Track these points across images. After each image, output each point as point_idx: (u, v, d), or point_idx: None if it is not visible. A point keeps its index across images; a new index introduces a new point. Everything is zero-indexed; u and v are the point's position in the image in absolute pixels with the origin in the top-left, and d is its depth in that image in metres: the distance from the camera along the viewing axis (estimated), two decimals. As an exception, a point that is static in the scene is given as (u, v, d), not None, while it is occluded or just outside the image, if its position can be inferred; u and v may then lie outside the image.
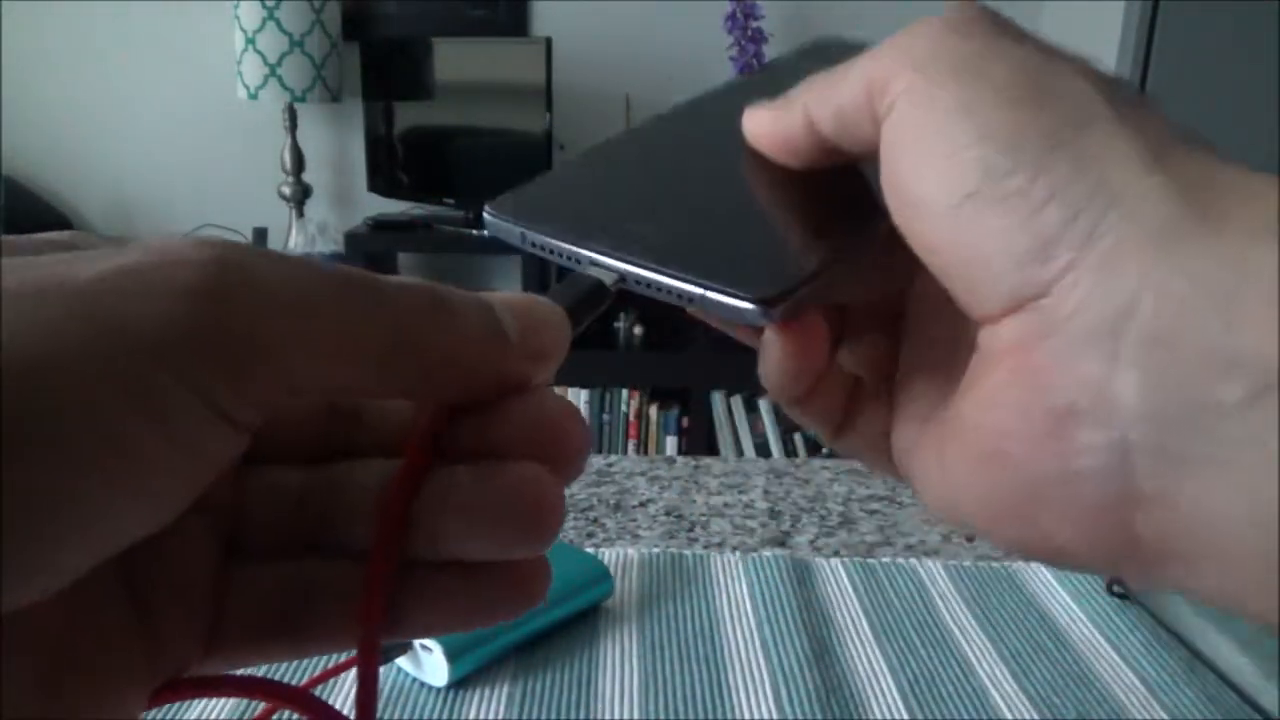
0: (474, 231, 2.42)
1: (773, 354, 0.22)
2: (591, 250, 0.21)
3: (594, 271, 0.21)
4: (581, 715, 0.45)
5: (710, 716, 0.45)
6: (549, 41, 2.30)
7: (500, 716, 0.44)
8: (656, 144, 0.26)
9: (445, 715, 0.44)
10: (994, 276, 0.17)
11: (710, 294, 0.20)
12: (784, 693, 0.46)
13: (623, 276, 0.21)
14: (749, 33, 2.41)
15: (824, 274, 0.21)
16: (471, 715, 0.44)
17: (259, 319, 0.14)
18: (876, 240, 0.22)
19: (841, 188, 0.24)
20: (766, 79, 0.28)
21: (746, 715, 0.45)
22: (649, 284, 0.21)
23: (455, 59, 2.48)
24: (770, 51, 2.45)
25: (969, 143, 0.18)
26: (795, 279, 0.21)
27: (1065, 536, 0.17)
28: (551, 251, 0.22)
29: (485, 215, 0.23)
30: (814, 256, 0.22)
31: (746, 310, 0.20)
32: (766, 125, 0.23)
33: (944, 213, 0.18)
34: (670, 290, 0.21)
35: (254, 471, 0.18)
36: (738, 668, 0.48)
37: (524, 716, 0.44)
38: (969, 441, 0.19)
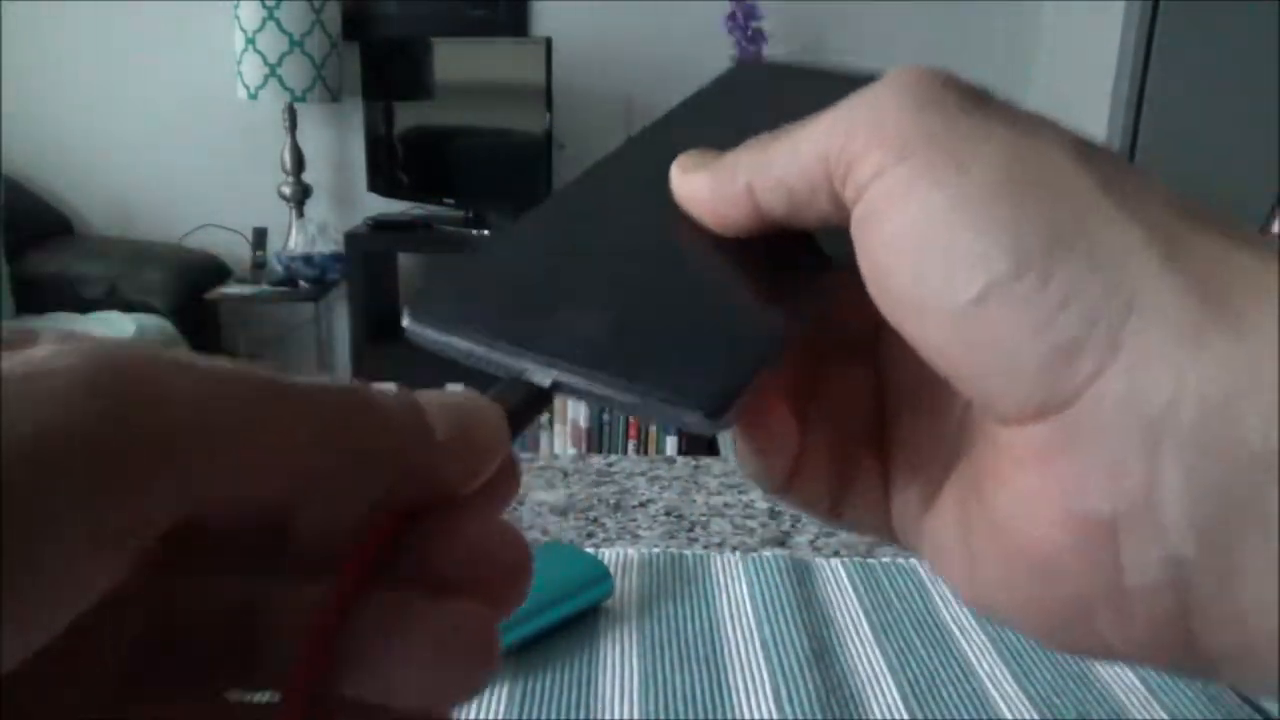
0: (474, 231, 2.42)
1: (740, 446, 0.21)
2: (520, 357, 0.19)
3: (529, 376, 0.19)
4: (581, 715, 0.45)
5: (710, 716, 0.45)
6: (549, 41, 2.30)
7: (500, 716, 0.44)
8: (585, 209, 0.24)
9: (445, 715, 0.44)
10: (1011, 385, 0.16)
11: (649, 405, 0.19)
12: (784, 693, 0.46)
13: (556, 384, 0.19)
14: (749, 33, 2.41)
15: (777, 352, 0.20)
16: (472, 715, 0.44)
17: (153, 429, 0.12)
18: (837, 285, 0.20)
19: (788, 233, 0.22)
20: (701, 112, 0.26)
21: (746, 715, 0.45)
22: (584, 392, 0.19)
23: (455, 59, 2.48)
24: (771, 52, 2.45)
25: (967, 242, 0.16)
26: (744, 373, 0.19)
27: (1120, 645, 0.17)
28: (480, 359, 0.20)
29: (405, 324, 0.21)
30: (765, 332, 0.20)
31: (692, 421, 0.18)
32: (702, 193, 0.21)
33: (948, 318, 0.17)
34: (609, 400, 0.19)
35: (185, 583, 0.16)
36: (738, 668, 0.48)
37: (524, 716, 0.44)
38: (1004, 542, 0.18)
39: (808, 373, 0.23)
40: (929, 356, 0.18)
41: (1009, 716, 0.45)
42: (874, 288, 0.18)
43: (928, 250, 0.17)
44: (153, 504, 0.13)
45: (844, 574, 0.57)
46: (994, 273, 0.16)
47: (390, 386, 0.16)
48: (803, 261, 0.21)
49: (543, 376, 0.19)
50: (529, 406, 0.19)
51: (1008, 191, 0.17)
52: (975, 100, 0.19)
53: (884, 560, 0.58)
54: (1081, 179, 0.17)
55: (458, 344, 0.20)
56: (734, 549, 0.60)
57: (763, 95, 0.27)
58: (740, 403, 0.19)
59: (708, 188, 0.21)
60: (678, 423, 0.19)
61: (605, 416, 2.45)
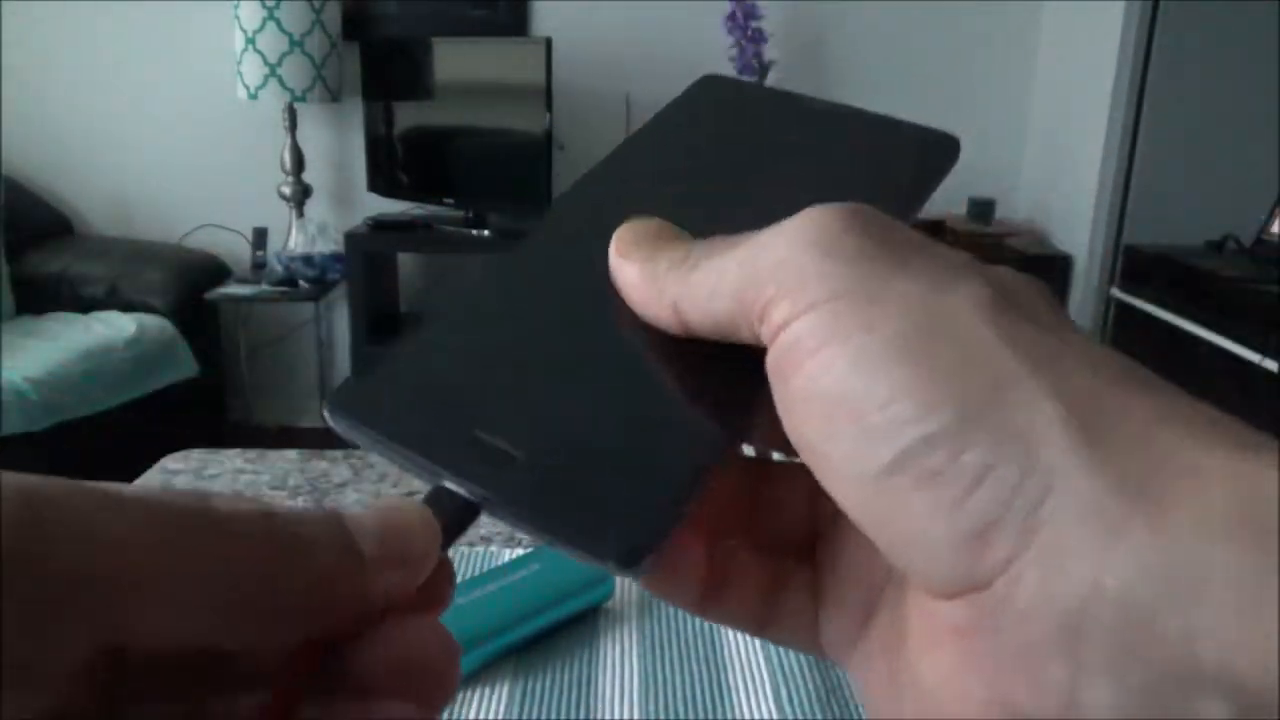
0: (474, 231, 2.42)
1: (653, 585, 0.20)
2: (441, 469, 0.18)
3: (451, 487, 0.18)
4: (581, 715, 0.45)
5: (710, 716, 0.45)
6: (549, 41, 2.30)
7: (501, 716, 0.44)
8: (526, 276, 0.22)
9: (446, 715, 0.44)
10: (927, 561, 0.15)
11: (562, 546, 0.18)
12: (784, 693, 0.46)
13: (480, 502, 0.18)
14: (749, 33, 2.41)
15: (705, 480, 0.18)
16: (472, 715, 0.44)
17: (72, 569, 0.12)
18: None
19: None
20: (661, 147, 0.25)
21: (746, 715, 0.45)
22: (504, 517, 0.18)
23: (455, 59, 2.48)
24: (770, 52, 2.45)
25: (872, 408, 0.15)
26: (664, 519, 0.18)
27: None
28: (399, 462, 0.19)
29: (326, 413, 0.20)
30: (695, 459, 0.19)
31: (607, 568, 0.17)
32: (632, 292, 0.20)
33: (859, 484, 0.16)
34: (525, 530, 0.18)
35: (130, 710, 0.15)
36: (738, 668, 0.48)
37: (524, 716, 0.44)
38: (928, 705, 0.17)
39: (741, 481, 0.22)
40: (848, 513, 0.17)
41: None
42: (791, 435, 0.17)
43: (836, 410, 0.16)
44: (64, 642, 0.12)
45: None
46: (903, 443, 0.15)
47: (315, 511, 0.16)
48: (745, 358, 0.19)
49: (465, 491, 0.18)
50: (460, 516, 0.18)
51: (915, 353, 0.16)
52: (886, 246, 0.17)
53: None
54: (996, 343, 0.16)
55: (376, 444, 0.19)
56: (734, 549, 0.60)
57: (723, 128, 0.26)
58: (659, 552, 0.18)
59: (637, 288, 0.20)
60: (593, 564, 0.18)
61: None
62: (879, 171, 0.24)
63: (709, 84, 0.27)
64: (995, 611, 0.15)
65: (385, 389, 0.20)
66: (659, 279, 0.19)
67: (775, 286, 0.17)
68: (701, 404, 0.19)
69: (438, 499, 0.18)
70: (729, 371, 0.19)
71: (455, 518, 0.18)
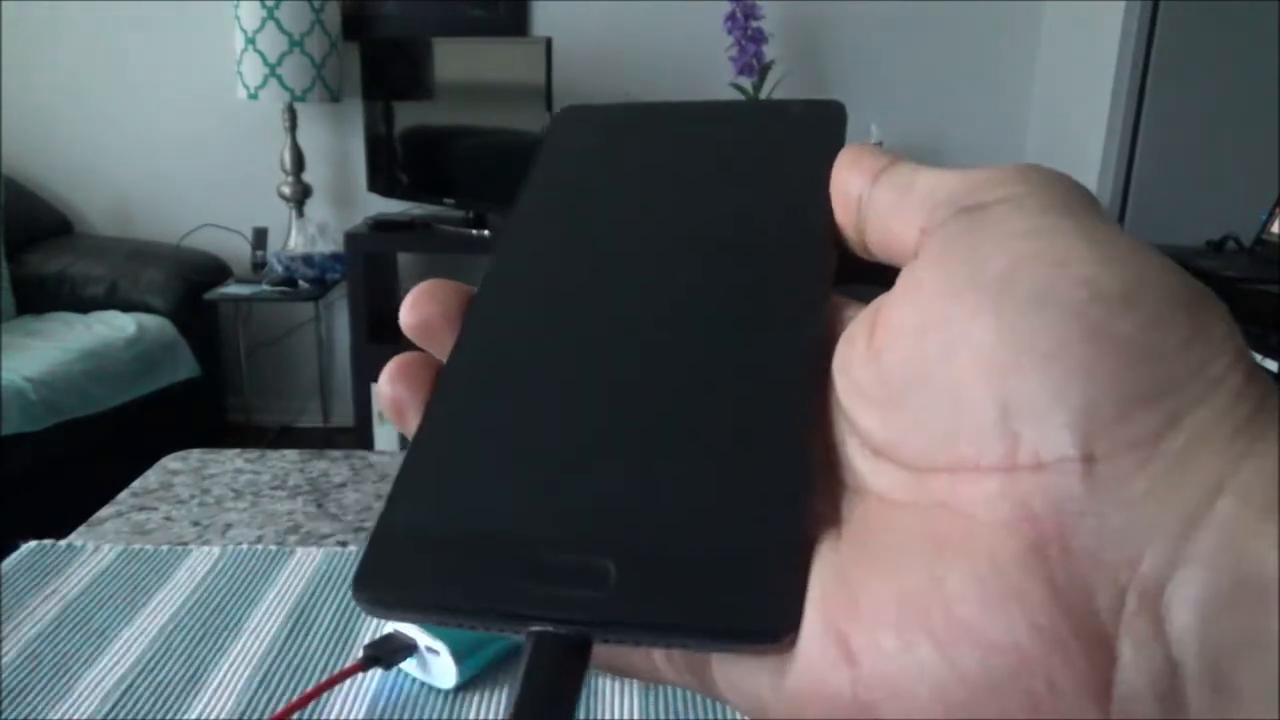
0: (474, 231, 2.42)
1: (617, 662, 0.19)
2: (526, 617, 0.16)
3: (552, 630, 0.16)
4: (581, 715, 0.45)
5: (711, 716, 0.45)
6: (549, 41, 2.30)
7: (500, 716, 0.44)
8: (510, 376, 0.19)
9: (451, 717, 0.44)
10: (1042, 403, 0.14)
11: (706, 644, 0.16)
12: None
13: (590, 634, 0.16)
14: (749, 33, 2.41)
15: (813, 511, 0.16)
16: (473, 716, 0.44)
17: None
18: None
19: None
20: (566, 197, 0.23)
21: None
22: (622, 639, 0.16)
23: (455, 59, 2.48)
24: (770, 52, 2.45)
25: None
26: (797, 565, 0.16)
27: None
28: (476, 623, 0.16)
29: (359, 603, 0.17)
30: (800, 487, 0.17)
31: (763, 648, 0.15)
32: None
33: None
34: (652, 643, 0.16)
35: None
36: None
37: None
38: (949, 632, 0.14)
39: None
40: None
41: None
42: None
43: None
44: None
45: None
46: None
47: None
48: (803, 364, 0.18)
49: (567, 630, 0.16)
50: (573, 661, 0.15)
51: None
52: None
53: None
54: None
55: (435, 617, 0.16)
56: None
57: (625, 151, 0.24)
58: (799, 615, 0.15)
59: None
60: (739, 652, 0.16)
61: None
62: (793, 151, 0.23)
63: (573, 115, 0.26)
64: (1102, 487, 0.14)
65: (414, 546, 0.17)
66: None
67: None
68: (776, 432, 0.17)
69: (540, 651, 0.15)
70: (788, 390, 0.18)
71: (569, 665, 0.15)
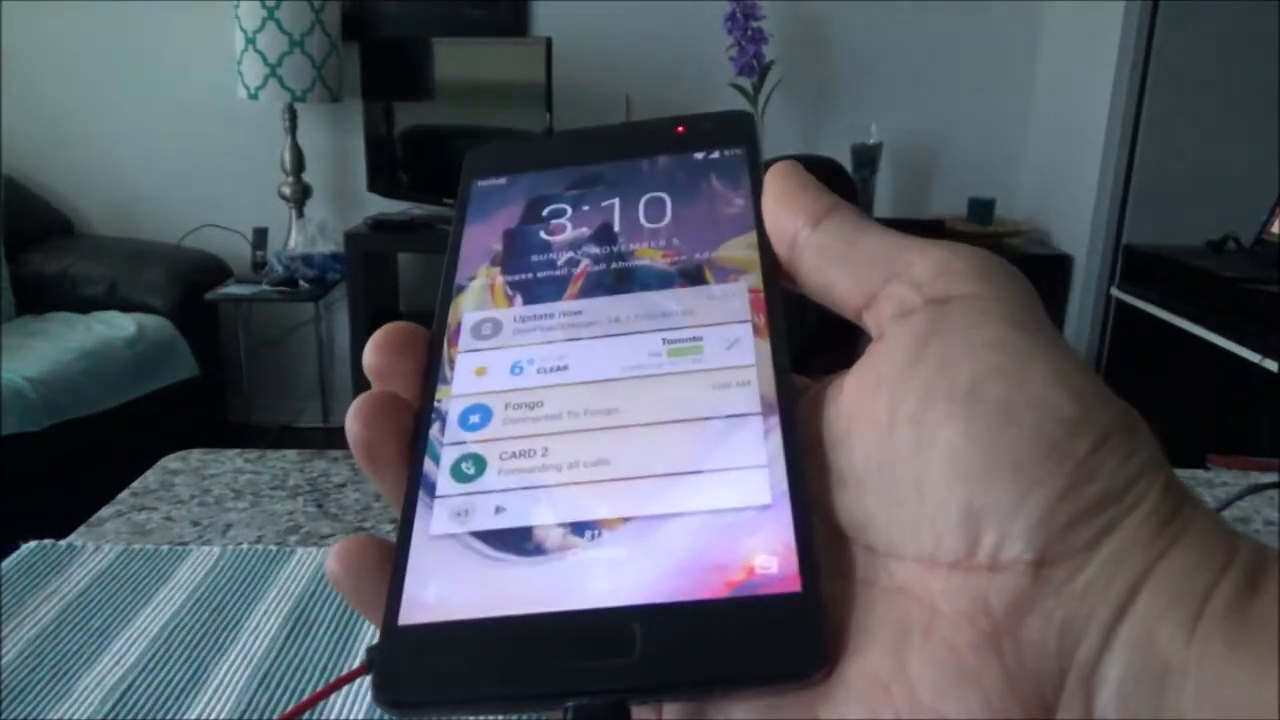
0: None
1: None
2: (560, 693, 0.16)
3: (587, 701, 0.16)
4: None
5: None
6: (549, 41, 2.30)
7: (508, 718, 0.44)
8: (488, 430, 0.20)
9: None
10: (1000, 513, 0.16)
11: (746, 690, 0.16)
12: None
13: (625, 699, 0.16)
14: (749, 33, 2.41)
15: (816, 531, 0.17)
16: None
17: None
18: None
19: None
20: (499, 238, 0.23)
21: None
22: (659, 699, 0.16)
23: (455, 59, 2.48)
24: (770, 52, 2.45)
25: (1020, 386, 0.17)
26: (818, 592, 0.16)
27: None
28: (508, 708, 0.16)
29: (382, 707, 0.16)
30: (801, 512, 0.17)
31: (801, 684, 0.16)
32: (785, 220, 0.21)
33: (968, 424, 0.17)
34: (691, 698, 0.16)
35: None
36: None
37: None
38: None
39: None
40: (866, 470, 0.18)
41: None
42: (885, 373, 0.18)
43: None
44: None
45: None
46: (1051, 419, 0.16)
47: None
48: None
49: (603, 700, 0.16)
50: None
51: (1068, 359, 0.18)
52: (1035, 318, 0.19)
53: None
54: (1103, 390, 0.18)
55: (464, 710, 0.16)
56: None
57: (548, 188, 0.24)
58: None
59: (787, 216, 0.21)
60: (778, 691, 0.16)
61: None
62: (717, 176, 0.23)
63: (482, 157, 0.25)
64: (1051, 586, 0.15)
65: (430, 640, 0.17)
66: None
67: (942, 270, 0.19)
68: (766, 460, 0.18)
69: None
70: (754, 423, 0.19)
71: None
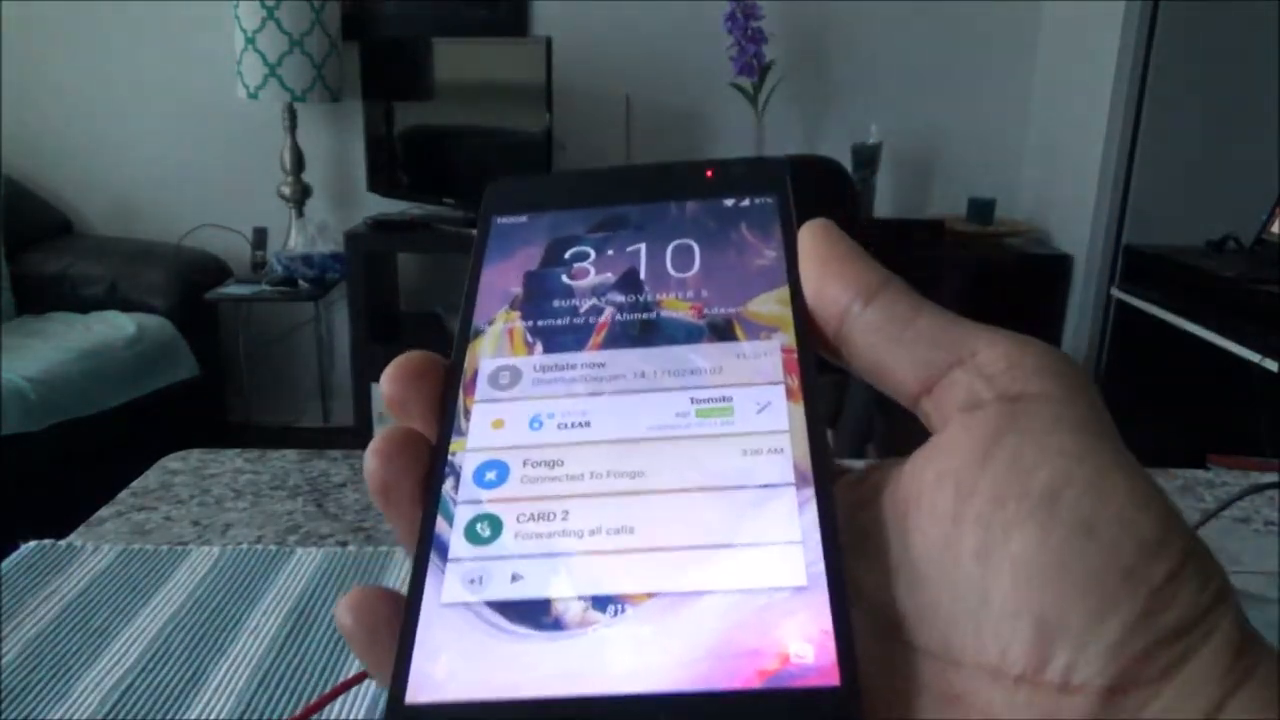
0: (473, 231, 2.42)
1: None
2: None
3: None
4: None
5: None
6: (549, 41, 2.30)
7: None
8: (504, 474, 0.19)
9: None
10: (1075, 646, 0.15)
11: None
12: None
13: None
14: (749, 33, 2.41)
15: (845, 583, 0.16)
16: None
17: None
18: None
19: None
20: (521, 277, 0.22)
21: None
22: None
23: (455, 59, 2.48)
24: (770, 52, 2.45)
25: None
26: (849, 637, 0.16)
27: None
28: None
29: None
30: (834, 566, 0.17)
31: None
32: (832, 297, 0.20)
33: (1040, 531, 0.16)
34: None
35: None
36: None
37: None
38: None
39: None
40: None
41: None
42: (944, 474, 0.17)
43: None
44: None
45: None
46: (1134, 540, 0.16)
47: None
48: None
49: None
50: None
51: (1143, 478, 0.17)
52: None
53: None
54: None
55: None
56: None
57: (569, 230, 0.23)
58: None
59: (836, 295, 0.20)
60: None
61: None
62: (747, 215, 0.22)
63: (502, 192, 0.24)
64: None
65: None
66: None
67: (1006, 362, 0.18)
68: (801, 536, 0.17)
69: None
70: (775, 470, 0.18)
71: None
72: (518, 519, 0.18)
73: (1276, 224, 1.99)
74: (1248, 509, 0.66)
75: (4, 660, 0.47)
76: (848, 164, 2.42)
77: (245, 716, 0.44)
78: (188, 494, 0.67)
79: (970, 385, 0.18)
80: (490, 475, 0.19)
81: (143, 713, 0.44)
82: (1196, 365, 1.91)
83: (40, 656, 0.48)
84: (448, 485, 0.19)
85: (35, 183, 2.65)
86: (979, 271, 2.59)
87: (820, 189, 1.78)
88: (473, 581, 0.17)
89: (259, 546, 0.59)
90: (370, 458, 0.19)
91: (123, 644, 0.49)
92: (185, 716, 0.43)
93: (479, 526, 0.18)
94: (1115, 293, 2.27)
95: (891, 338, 0.19)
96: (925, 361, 0.19)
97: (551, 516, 0.18)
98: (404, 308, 2.74)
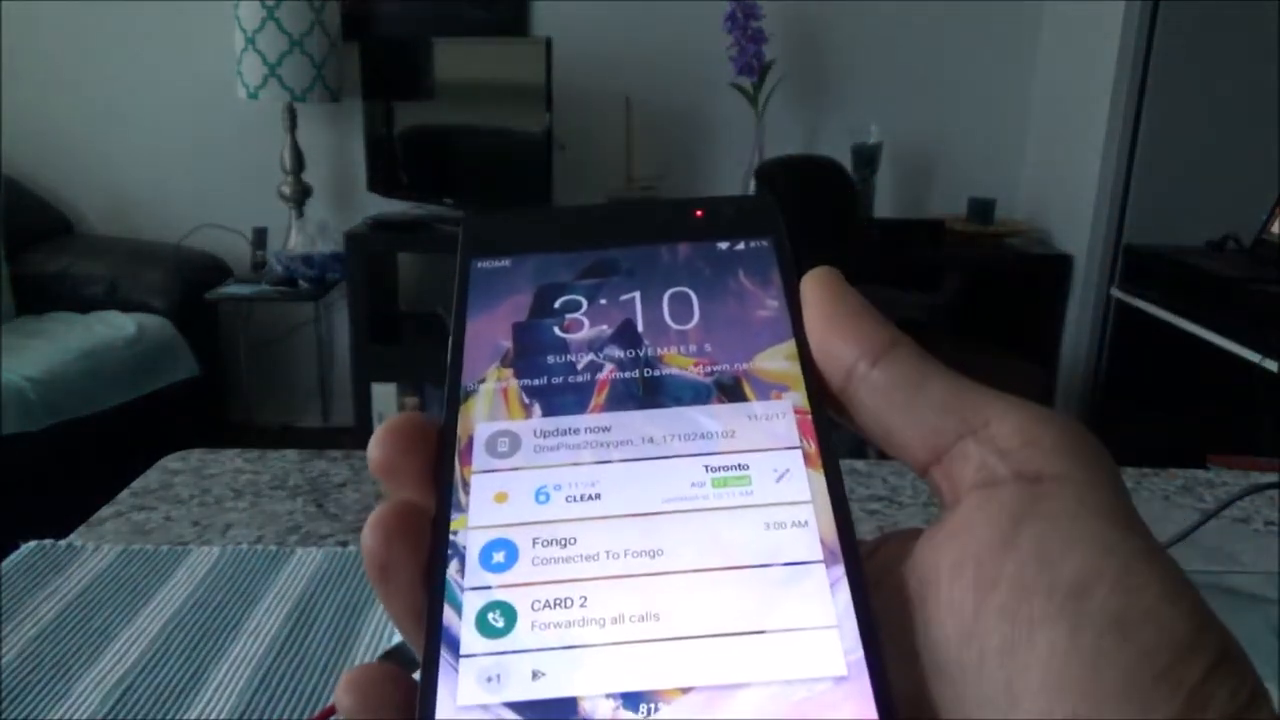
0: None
1: None
2: None
3: None
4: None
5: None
6: (549, 41, 2.30)
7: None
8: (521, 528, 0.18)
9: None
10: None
11: None
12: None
13: None
14: (749, 33, 2.41)
15: (878, 633, 0.16)
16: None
17: None
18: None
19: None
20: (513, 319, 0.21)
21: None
22: None
23: (455, 59, 2.48)
24: (770, 52, 2.45)
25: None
26: (885, 684, 0.15)
27: None
28: None
29: None
30: (865, 620, 0.16)
31: None
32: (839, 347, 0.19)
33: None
34: None
35: None
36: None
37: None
38: None
39: None
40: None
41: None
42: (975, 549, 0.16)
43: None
44: None
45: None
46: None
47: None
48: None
49: None
50: None
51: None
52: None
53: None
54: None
55: None
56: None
57: (556, 267, 0.21)
58: None
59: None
60: None
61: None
62: (743, 260, 0.21)
63: (479, 231, 0.23)
64: None
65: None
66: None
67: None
68: (836, 619, 0.16)
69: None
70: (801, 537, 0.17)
71: None
72: (532, 606, 0.16)
73: (1276, 224, 1.99)
74: (1248, 509, 0.66)
75: (4, 660, 0.47)
76: (848, 164, 2.42)
77: (245, 717, 0.44)
78: (188, 494, 0.67)
79: (983, 459, 0.17)
80: (498, 557, 0.17)
81: (143, 713, 0.44)
82: (1196, 365, 1.91)
83: (40, 656, 0.48)
84: (452, 569, 0.17)
85: (35, 183, 2.65)
86: (979, 271, 2.59)
87: (820, 189, 1.78)
88: (490, 680, 0.15)
89: (259, 547, 0.59)
90: (370, 534, 0.17)
91: (123, 644, 0.49)
92: (185, 716, 0.43)
93: (491, 616, 0.16)
94: (1115, 293, 2.27)
95: (898, 403, 0.18)
96: (934, 429, 0.18)
97: (569, 603, 0.16)
98: (404, 308, 2.74)
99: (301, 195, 2.61)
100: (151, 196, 2.74)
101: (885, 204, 2.66)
